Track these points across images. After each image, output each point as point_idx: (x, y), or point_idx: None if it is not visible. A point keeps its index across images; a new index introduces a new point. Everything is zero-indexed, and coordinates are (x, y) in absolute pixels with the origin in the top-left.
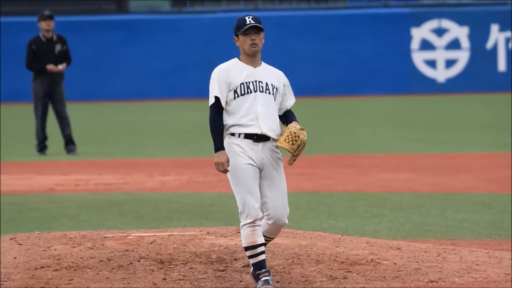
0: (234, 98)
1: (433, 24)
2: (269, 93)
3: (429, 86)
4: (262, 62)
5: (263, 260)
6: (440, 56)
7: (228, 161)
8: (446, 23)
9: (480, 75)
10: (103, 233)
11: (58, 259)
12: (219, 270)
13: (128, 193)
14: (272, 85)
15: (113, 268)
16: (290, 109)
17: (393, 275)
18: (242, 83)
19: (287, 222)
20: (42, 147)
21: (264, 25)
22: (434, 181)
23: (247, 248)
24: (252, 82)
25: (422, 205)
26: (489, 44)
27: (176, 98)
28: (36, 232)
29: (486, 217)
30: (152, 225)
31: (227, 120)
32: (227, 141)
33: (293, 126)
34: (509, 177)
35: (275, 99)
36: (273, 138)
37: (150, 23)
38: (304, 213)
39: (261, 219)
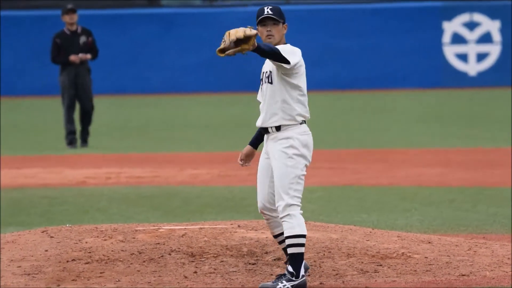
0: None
1: (464, 17)
2: (270, 81)
3: (461, 80)
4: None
5: (284, 250)
6: (472, 50)
7: (243, 154)
8: (477, 17)
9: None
10: (134, 226)
11: (89, 252)
12: (249, 263)
13: (159, 186)
14: (270, 71)
15: (144, 261)
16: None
17: (424, 268)
18: (261, 75)
19: (281, 209)
20: (71, 139)
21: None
22: (465, 176)
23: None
24: (264, 73)
25: (454, 199)
26: None
27: (209, 92)
28: (67, 225)
29: None
30: (183, 218)
31: None
32: None
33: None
34: None
35: (275, 84)
36: (271, 129)
37: (182, 17)
38: (335, 206)
39: (269, 210)
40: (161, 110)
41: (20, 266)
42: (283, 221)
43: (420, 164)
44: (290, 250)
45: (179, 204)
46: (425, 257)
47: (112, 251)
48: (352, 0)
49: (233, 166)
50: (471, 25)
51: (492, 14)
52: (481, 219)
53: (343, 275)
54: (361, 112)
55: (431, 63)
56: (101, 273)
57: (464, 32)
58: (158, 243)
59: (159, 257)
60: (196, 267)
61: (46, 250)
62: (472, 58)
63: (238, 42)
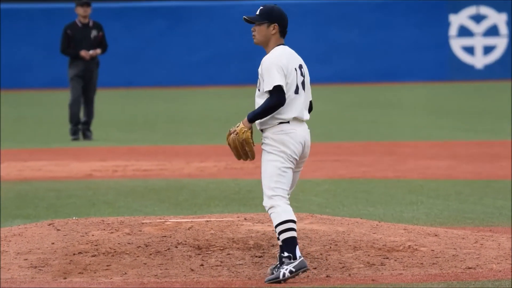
0: None
1: (471, 10)
2: (258, 89)
3: (467, 72)
4: (277, 48)
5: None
6: (478, 42)
7: None
8: (484, 10)
9: None
10: (141, 219)
11: (96, 245)
12: (256, 256)
13: (166, 179)
14: (259, 79)
15: (150, 254)
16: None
17: (431, 261)
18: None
19: (266, 205)
20: (75, 130)
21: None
22: (472, 169)
23: None
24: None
25: (460, 192)
26: None
27: (217, 85)
28: (74, 218)
29: None
30: (189, 211)
31: None
32: None
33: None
34: None
35: (261, 90)
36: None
37: (190, 10)
38: (342, 199)
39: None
40: (168, 103)
41: (26, 259)
42: (270, 214)
43: (427, 157)
44: (282, 237)
45: (186, 197)
46: (432, 250)
47: (118, 244)
48: None
49: None
50: (478, 18)
51: (498, 7)
52: (488, 212)
53: (349, 268)
54: (368, 105)
55: (438, 56)
56: (107, 266)
57: (471, 25)
58: (165, 236)
59: (166, 250)
60: (203, 260)
61: (53, 243)
62: (478, 51)
63: (242, 143)
